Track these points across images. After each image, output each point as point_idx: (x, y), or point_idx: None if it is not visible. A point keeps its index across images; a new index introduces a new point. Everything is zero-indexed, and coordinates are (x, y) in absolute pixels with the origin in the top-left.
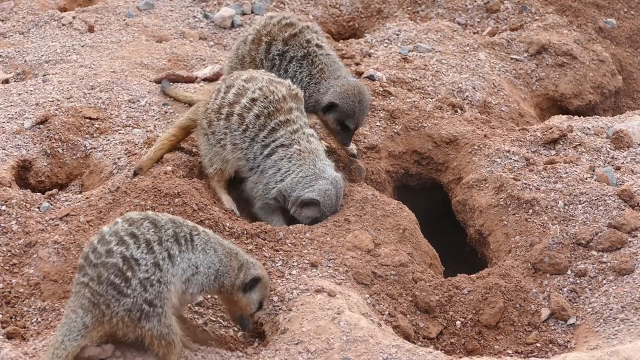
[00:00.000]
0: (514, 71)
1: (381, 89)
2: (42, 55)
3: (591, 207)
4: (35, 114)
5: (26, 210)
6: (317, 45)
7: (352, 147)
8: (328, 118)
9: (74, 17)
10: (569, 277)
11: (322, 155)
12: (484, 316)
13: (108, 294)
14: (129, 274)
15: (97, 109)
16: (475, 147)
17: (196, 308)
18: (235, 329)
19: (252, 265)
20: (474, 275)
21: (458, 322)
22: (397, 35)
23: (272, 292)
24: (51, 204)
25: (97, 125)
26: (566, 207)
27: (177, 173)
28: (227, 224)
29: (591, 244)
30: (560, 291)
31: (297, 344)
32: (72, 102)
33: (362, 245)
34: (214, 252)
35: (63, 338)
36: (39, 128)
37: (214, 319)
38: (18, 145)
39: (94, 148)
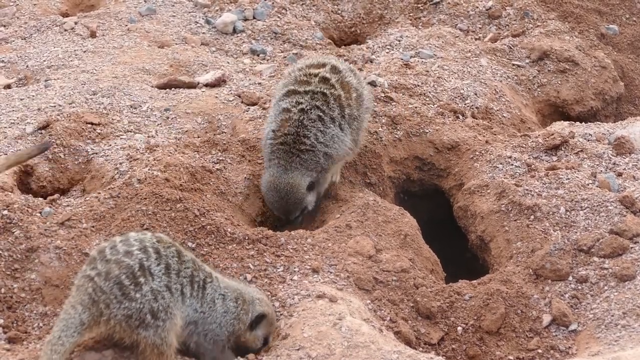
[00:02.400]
0: (515, 77)
1: (383, 95)
2: (44, 61)
3: (593, 213)
4: (37, 119)
5: (28, 215)
6: (322, 94)
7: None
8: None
9: (76, 23)
10: (570, 283)
11: None
12: (485, 322)
13: (111, 293)
14: (141, 279)
15: (99, 114)
16: (477, 153)
17: None
18: None
19: (259, 301)
20: (475, 281)
21: (459, 328)
22: (399, 41)
23: (273, 298)
24: (53, 209)
25: (99, 131)
26: (568, 213)
27: (179, 179)
28: (229, 230)
29: (593, 250)
30: (562, 297)
31: (298, 349)
32: (74, 107)
33: (364, 250)
34: (222, 302)
35: (60, 334)
36: (41, 133)
37: None
38: (20, 150)
39: (96, 153)
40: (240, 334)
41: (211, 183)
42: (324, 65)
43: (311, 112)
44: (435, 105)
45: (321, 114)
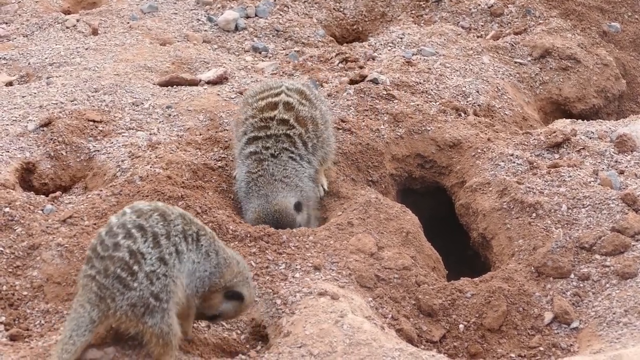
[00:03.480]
0: (517, 75)
1: (385, 93)
2: (46, 58)
3: (594, 211)
4: (39, 116)
5: (30, 212)
6: (285, 135)
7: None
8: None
9: (77, 20)
10: (572, 281)
11: None
12: (487, 320)
13: (114, 288)
14: (135, 267)
15: (101, 112)
16: (479, 150)
17: None
18: (239, 331)
19: (248, 286)
20: (477, 278)
21: (461, 326)
22: (401, 38)
23: (275, 295)
24: (55, 207)
25: (101, 128)
26: (569, 210)
27: (181, 177)
28: (231, 227)
29: (594, 247)
30: (564, 295)
31: (300, 347)
32: (75, 104)
33: (365, 248)
34: (215, 256)
35: (71, 333)
36: (43, 130)
37: None
38: (22, 147)
39: (98, 151)
40: (214, 291)
41: (213, 180)
42: (276, 105)
43: (282, 155)
44: (437, 103)
45: (291, 154)
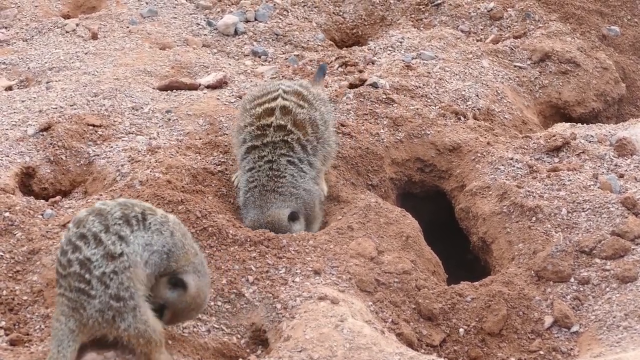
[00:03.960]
0: (517, 79)
1: (384, 97)
2: (46, 63)
3: (594, 215)
4: (38, 121)
5: (29, 217)
6: (284, 142)
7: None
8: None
9: (77, 24)
10: (572, 285)
11: None
12: (487, 324)
13: (80, 299)
14: (87, 276)
15: (101, 116)
16: (479, 154)
17: (199, 315)
18: (239, 335)
19: (199, 275)
20: (477, 282)
21: (461, 330)
22: (401, 42)
23: (275, 299)
24: (54, 211)
25: (101, 133)
26: (569, 214)
27: (180, 181)
28: (231, 231)
29: (594, 251)
30: (564, 299)
31: (300, 351)
32: (75, 109)
33: (365, 252)
34: (170, 235)
35: (57, 348)
36: (42, 135)
37: (217, 326)
38: (21, 152)
39: (97, 155)
40: (164, 274)
41: (213, 185)
42: (272, 111)
43: (280, 160)
44: (437, 107)
45: (290, 158)
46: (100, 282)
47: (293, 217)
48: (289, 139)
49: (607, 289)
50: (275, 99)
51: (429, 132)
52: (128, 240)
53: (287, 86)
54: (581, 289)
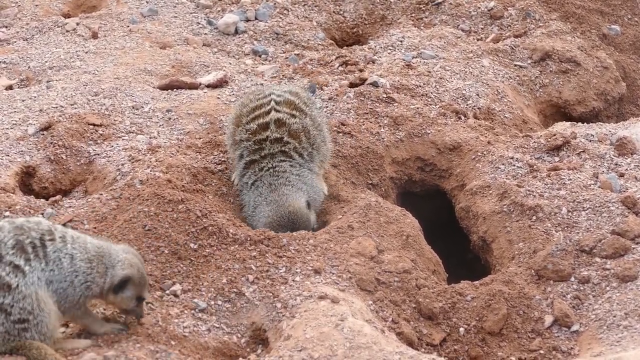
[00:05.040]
0: (517, 78)
1: (385, 96)
2: (46, 62)
3: (595, 214)
4: (39, 120)
5: (30, 216)
6: (282, 152)
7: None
8: None
9: (77, 24)
10: (572, 284)
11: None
12: (487, 323)
13: None
14: None
15: (101, 116)
16: (479, 153)
17: (200, 315)
18: (239, 335)
19: (121, 264)
20: (477, 282)
21: (461, 329)
22: (401, 41)
23: (275, 299)
24: (55, 210)
25: (101, 132)
26: (570, 213)
27: (181, 180)
28: (231, 231)
29: (594, 250)
30: (564, 298)
31: (300, 350)
32: (75, 108)
33: (366, 251)
34: (69, 261)
35: None
36: (43, 134)
37: (217, 325)
38: (22, 151)
39: (98, 154)
40: (104, 296)
41: (213, 184)
42: (267, 125)
43: (281, 164)
44: (437, 106)
45: (290, 163)
46: (1, 311)
47: (308, 206)
48: (287, 149)
49: (608, 288)
50: (268, 112)
51: (429, 131)
52: (24, 270)
53: (278, 95)
54: (581, 288)
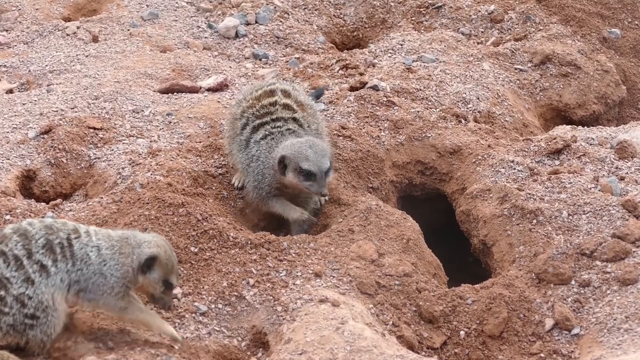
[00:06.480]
0: (518, 81)
1: (385, 99)
2: (46, 65)
3: (595, 217)
4: (39, 124)
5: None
6: (293, 119)
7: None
8: (289, 177)
9: (78, 27)
10: (573, 287)
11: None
12: (487, 326)
13: None
14: (2, 292)
15: (101, 119)
16: (479, 157)
17: (200, 318)
18: (239, 338)
19: (147, 244)
20: (477, 285)
21: (462, 332)
22: (401, 45)
23: (276, 302)
24: (55, 214)
25: (101, 135)
26: (570, 217)
27: (181, 184)
28: (231, 234)
29: (595, 254)
30: (564, 301)
31: (301, 354)
32: (76, 112)
33: (366, 255)
34: (97, 253)
35: None
36: (43, 138)
37: (217, 329)
38: (22, 155)
39: (98, 158)
40: (134, 278)
41: (213, 188)
42: (273, 92)
43: (296, 132)
44: (438, 110)
45: (304, 134)
46: (17, 300)
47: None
48: (297, 117)
49: (608, 292)
50: (272, 84)
51: (429, 135)
52: (49, 271)
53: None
54: (582, 291)
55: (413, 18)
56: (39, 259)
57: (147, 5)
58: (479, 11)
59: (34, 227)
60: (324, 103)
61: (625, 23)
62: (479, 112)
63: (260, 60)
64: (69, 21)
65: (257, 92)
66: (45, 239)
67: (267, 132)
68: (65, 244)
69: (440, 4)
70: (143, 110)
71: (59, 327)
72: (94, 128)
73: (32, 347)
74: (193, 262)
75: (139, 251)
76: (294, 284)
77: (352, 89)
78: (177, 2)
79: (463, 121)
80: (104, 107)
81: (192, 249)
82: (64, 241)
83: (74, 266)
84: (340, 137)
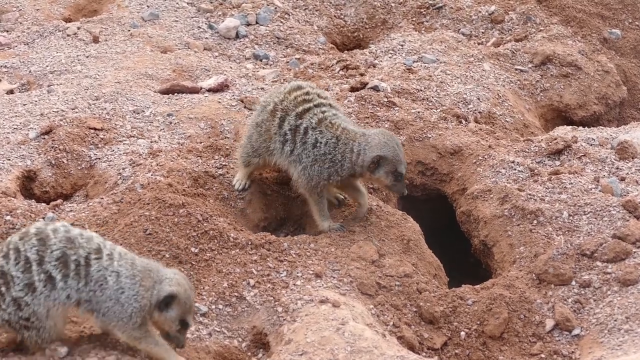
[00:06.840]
0: (518, 82)
1: (385, 100)
2: (47, 66)
3: (596, 218)
4: (39, 124)
5: (31, 220)
6: (330, 105)
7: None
8: (379, 174)
9: (78, 28)
10: (573, 288)
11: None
12: (488, 327)
13: None
14: (2, 289)
15: (102, 120)
16: (480, 157)
17: (201, 319)
18: (240, 339)
19: (169, 280)
20: (478, 286)
21: (462, 333)
22: (402, 46)
23: (276, 303)
24: (56, 214)
25: (102, 136)
26: (571, 217)
27: (182, 184)
28: (232, 235)
29: (596, 254)
30: (565, 302)
31: (301, 354)
32: (76, 112)
33: (367, 255)
34: (115, 279)
35: None
36: (44, 138)
37: (218, 329)
38: (23, 155)
39: (99, 158)
40: (151, 313)
41: (214, 188)
42: (300, 86)
43: (336, 119)
44: (438, 110)
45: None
46: (14, 302)
47: None
48: (333, 104)
49: (609, 292)
50: (293, 82)
51: (430, 136)
52: (55, 284)
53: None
54: (582, 292)
55: (414, 19)
56: (48, 270)
57: (148, 6)
58: (480, 12)
59: (57, 236)
60: None
61: (626, 24)
62: (479, 112)
63: (260, 60)
64: (69, 22)
65: (284, 89)
66: (62, 251)
67: (319, 118)
68: (82, 263)
69: (440, 5)
70: (144, 111)
71: (55, 336)
72: (95, 128)
73: (27, 346)
74: (193, 262)
75: (160, 287)
76: (294, 284)
77: (353, 89)
78: (177, 3)
79: (464, 122)
80: (105, 108)
81: (193, 249)
82: (81, 259)
83: (86, 286)
84: None
